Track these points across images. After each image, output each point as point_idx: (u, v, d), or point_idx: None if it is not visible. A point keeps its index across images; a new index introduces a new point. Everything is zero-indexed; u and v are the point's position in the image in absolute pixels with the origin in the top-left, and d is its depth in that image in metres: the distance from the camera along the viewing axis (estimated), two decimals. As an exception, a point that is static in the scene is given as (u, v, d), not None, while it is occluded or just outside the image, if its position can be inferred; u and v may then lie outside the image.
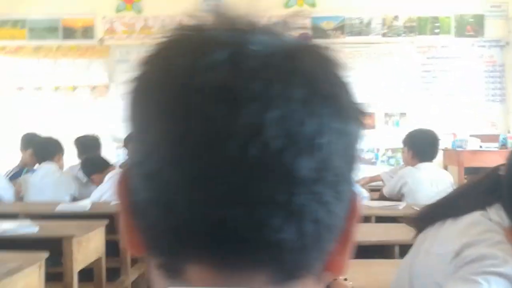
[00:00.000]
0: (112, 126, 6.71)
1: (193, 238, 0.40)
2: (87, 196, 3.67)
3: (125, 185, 0.45)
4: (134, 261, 3.34)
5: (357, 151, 0.44)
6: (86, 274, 2.71)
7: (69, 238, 2.42)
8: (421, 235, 1.35)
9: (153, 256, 0.43)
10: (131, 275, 3.25)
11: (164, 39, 0.45)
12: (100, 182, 3.80)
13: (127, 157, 0.47)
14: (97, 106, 6.97)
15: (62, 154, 3.95)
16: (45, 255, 2.06)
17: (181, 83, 0.41)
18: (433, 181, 3.39)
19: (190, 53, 0.42)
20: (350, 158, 0.44)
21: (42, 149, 3.89)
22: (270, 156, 0.39)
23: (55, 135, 4.07)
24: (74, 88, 6.97)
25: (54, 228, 2.63)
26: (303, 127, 0.40)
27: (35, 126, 6.52)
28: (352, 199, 0.45)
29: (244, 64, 0.40)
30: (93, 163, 3.94)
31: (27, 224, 2.58)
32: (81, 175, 4.03)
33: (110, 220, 2.90)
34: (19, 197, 3.83)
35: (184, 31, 0.44)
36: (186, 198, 0.40)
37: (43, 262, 2.05)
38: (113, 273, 3.11)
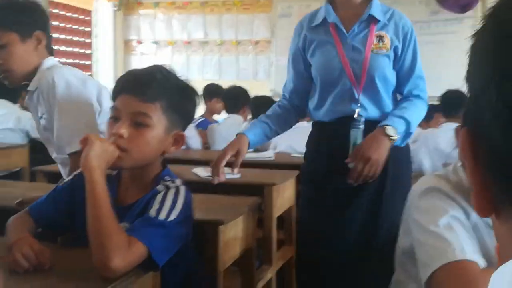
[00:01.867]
0: (272, 81, 6.87)
1: None
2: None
3: (471, 144, 0.46)
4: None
5: None
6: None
7: (271, 185, 2.53)
8: None
9: None
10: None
11: None
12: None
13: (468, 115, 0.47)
14: (259, 61, 7.14)
15: (248, 105, 4.13)
16: (258, 200, 2.18)
17: None
18: None
19: None
20: None
21: (231, 99, 4.08)
22: None
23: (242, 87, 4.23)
24: (238, 43, 7.19)
25: (253, 176, 2.77)
26: None
27: (200, 77, 6.86)
28: None
29: None
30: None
31: (228, 171, 2.74)
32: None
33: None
34: (205, 146, 4.08)
35: None
36: None
37: (256, 207, 2.17)
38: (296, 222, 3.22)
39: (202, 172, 2.72)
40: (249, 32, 7.10)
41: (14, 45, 1.90)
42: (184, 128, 1.55)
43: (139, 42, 7.49)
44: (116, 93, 1.48)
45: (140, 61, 7.39)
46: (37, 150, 4.30)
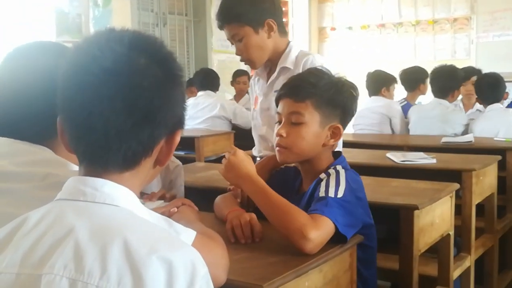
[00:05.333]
0: (473, 60, 6.47)
1: None
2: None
3: None
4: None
5: None
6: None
7: (470, 171, 2.44)
8: None
9: None
10: (517, 213, 3.15)
11: None
12: None
13: None
14: (458, 40, 6.78)
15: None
16: (456, 186, 2.12)
17: None
18: None
19: None
20: None
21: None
22: None
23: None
24: (434, 22, 6.91)
25: (450, 161, 2.69)
26: None
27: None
28: None
29: None
30: None
31: (424, 156, 2.71)
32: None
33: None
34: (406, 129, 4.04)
35: None
36: None
37: (453, 193, 2.12)
38: (498, 210, 3.04)
39: (397, 156, 2.72)
40: (446, 9, 6.77)
41: (250, 37, 1.99)
42: (342, 121, 1.60)
43: (333, 29, 7.59)
44: (278, 100, 1.63)
45: (333, 48, 7.50)
46: (239, 137, 4.66)
